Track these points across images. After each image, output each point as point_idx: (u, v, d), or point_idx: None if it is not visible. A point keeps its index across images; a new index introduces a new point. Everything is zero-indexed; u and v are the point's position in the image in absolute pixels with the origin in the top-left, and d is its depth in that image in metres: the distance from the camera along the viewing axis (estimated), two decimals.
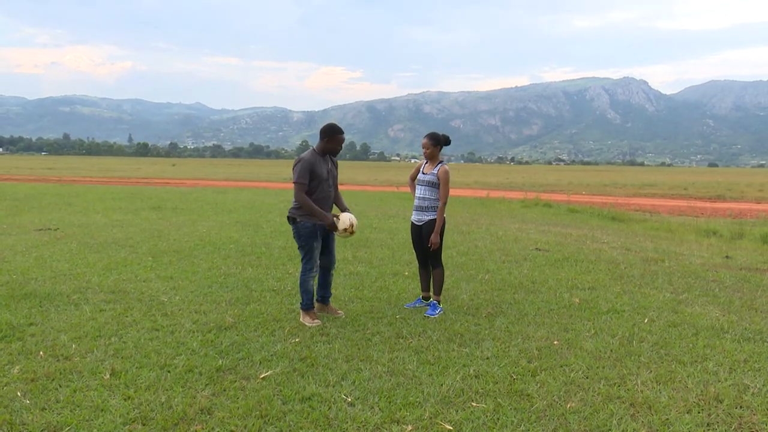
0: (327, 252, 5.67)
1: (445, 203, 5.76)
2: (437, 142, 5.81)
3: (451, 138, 6.08)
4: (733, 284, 7.29)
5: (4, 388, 3.75)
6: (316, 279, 5.64)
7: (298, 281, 5.57)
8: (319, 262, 5.56)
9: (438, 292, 5.87)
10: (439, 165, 5.79)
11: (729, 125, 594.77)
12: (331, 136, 5.44)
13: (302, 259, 5.50)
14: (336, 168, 5.67)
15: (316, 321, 5.39)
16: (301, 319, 5.43)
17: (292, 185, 5.36)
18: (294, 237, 5.51)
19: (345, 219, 5.40)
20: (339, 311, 5.74)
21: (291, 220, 5.44)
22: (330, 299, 5.83)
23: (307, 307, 5.45)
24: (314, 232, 5.38)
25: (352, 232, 5.43)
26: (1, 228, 11.30)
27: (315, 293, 5.65)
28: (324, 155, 5.48)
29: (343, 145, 5.63)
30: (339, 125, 5.56)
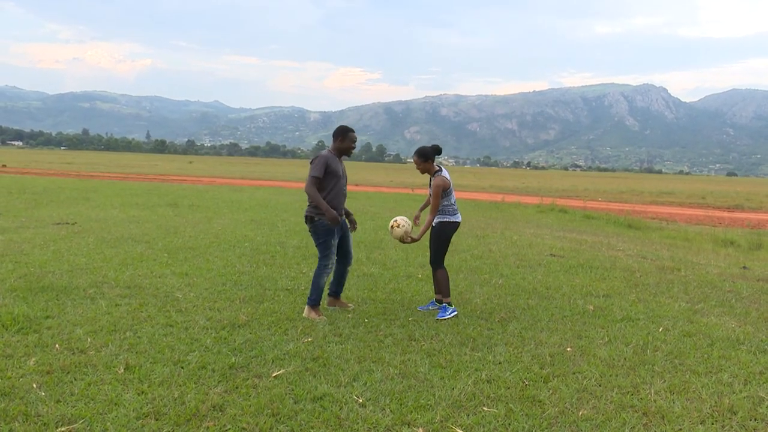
0: (344, 250, 5.87)
1: (434, 214, 5.83)
2: (425, 157, 5.84)
3: (438, 146, 6.03)
4: (750, 295, 7.22)
5: (21, 379, 3.80)
6: (331, 275, 5.83)
7: (313, 277, 5.65)
8: (334, 260, 5.74)
9: (446, 294, 5.86)
10: (435, 175, 5.84)
11: (749, 134, 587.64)
12: (344, 134, 5.67)
13: (320, 256, 5.65)
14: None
15: (322, 317, 5.52)
16: (305, 314, 5.54)
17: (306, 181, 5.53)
18: (311, 235, 5.68)
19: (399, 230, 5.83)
20: (349, 304, 5.98)
21: (308, 219, 5.58)
22: (341, 294, 6.03)
23: (314, 303, 5.58)
24: (331, 229, 5.55)
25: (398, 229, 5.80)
26: (20, 221, 11.45)
27: (327, 288, 5.94)
28: (339, 156, 5.70)
29: (356, 144, 5.80)
30: (351, 126, 5.79)
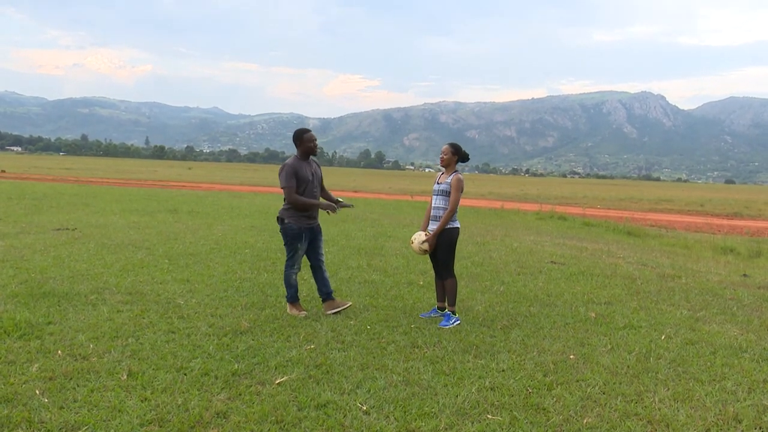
0: (314, 251, 6.05)
1: (453, 210, 5.77)
2: (456, 151, 5.86)
3: (469, 154, 6.10)
4: (752, 303, 7.22)
5: (23, 386, 3.79)
6: (313, 278, 6.14)
7: (283, 277, 5.96)
8: (300, 261, 5.98)
9: (452, 302, 5.85)
10: (454, 174, 5.83)
11: (747, 142, 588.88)
12: (301, 137, 5.84)
13: (286, 257, 5.94)
14: (320, 168, 6.08)
15: (302, 312, 5.85)
16: (288, 311, 5.86)
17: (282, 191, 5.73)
18: (281, 235, 5.93)
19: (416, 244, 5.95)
20: (347, 302, 6.09)
21: (280, 220, 5.87)
22: (333, 294, 6.10)
23: (292, 300, 5.91)
24: (299, 234, 5.82)
25: (424, 250, 5.90)
26: (20, 227, 11.43)
27: (317, 291, 6.09)
28: (306, 159, 5.87)
29: (316, 143, 5.93)
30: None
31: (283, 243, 6.00)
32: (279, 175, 5.74)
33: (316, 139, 5.94)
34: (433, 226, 5.90)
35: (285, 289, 5.99)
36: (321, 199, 6.01)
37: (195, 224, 13.27)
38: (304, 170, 5.77)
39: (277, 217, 5.89)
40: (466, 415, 3.66)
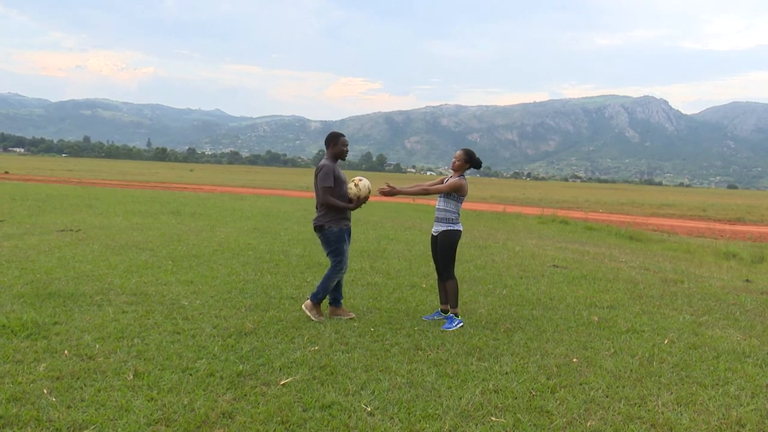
0: None
1: (425, 189, 5.88)
2: (469, 158, 5.90)
3: (482, 161, 6.14)
4: (755, 308, 7.23)
5: (31, 385, 3.82)
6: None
7: (323, 277, 5.85)
8: (348, 263, 5.91)
9: (454, 304, 5.87)
10: (459, 177, 5.87)
11: (750, 147, 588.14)
12: (336, 140, 5.85)
13: (333, 262, 5.82)
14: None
15: (320, 317, 5.76)
16: (305, 307, 5.80)
17: (315, 193, 5.78)
18: (322, 244, 5.86)
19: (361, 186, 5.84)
20: (351, 313, 6.01)
21: (318, 228, 5.78)
22: (341, 301, 6.08)
23: (317, 301, 5.79)
24: (342, 235, 5.77)
25: (358, 188, 5.80)
26: (25, 228, 11.47)
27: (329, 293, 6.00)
28: (335, 161, 5.87)
29: (348, 149, 5.94)
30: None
31: (326, 252, 5.85)
32: (316, 175, 5.73)
33: (347, 145, 5.95)
34: (436, 227, 5.96)
35: (318, 288, 5.78)
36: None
37: (198, 226, 13.31)
38: (339, 172, 5.78)
39: (315, 226, 5.79)
40: (470, 417, 3.68)
